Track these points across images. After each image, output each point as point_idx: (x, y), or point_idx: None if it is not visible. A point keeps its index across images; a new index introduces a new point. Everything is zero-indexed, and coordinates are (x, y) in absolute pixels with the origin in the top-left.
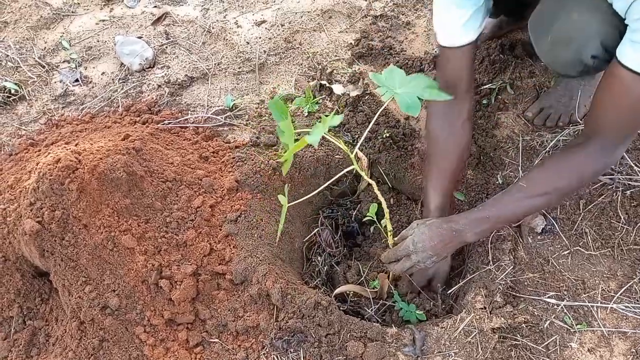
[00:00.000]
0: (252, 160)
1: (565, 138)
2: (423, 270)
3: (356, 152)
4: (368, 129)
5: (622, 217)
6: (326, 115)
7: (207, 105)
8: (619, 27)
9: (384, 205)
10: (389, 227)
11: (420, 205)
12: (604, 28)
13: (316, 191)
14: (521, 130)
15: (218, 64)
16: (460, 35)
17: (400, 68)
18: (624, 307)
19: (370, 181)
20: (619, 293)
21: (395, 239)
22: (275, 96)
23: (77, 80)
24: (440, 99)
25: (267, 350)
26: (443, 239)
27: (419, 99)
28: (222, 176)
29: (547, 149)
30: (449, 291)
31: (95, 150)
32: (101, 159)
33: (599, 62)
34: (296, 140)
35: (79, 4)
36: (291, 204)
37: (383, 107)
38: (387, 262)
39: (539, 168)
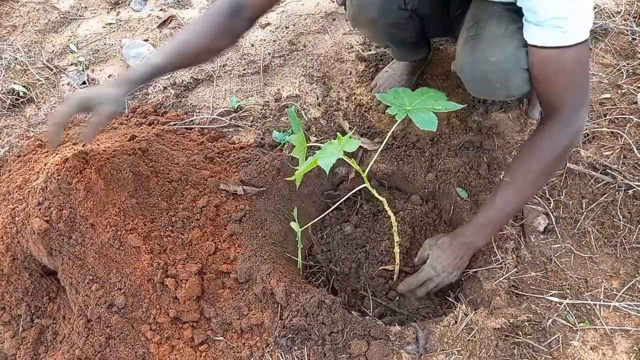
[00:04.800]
0: (257, 160)
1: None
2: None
3: (368, 170)
4: (381, 148)
5: (624, 216)
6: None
7: (212, 107)
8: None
9: (393, 219)
10: (397, 239)
11: None
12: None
13: (330, 210)
14: (524, 131)
15: (223, 66)
16: None
17: None
18: (626, 305)
19: (381, 198)
20: (622, 291)
21: (416, 260)
22: (292, 107)
23: (84, 83)
24: (454, 109)
25: (271, 348)
26: (458, 254)
27: (434, 113)
28: (227, 176)
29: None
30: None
31: (102, 150)
32: (108, 159)
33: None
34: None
35: (86, 7)
36: (303, 228)
37: (396, 126)
38: (409, 290)
39: (517, 159)
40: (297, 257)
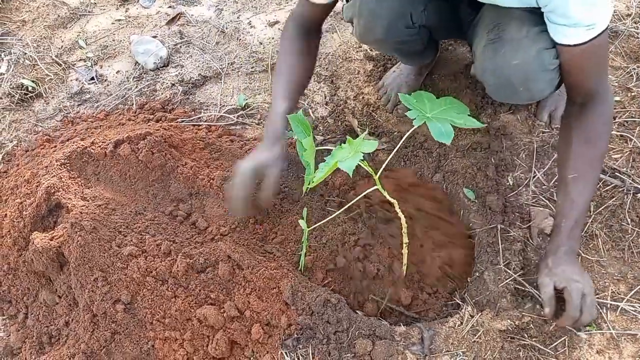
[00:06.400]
0: None
1: None
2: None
3: (380, 173)
4: (394, 152)
5: (632, 220)
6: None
7: (220, 104)
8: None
9: (403, 221)
10: (405, 240)
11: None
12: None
13: (338, 212)
14: (532, 132)
15: (231, 64)
16: None
17: None
18: (633, 309)
19: (393, 200)
20: (629, 295)
21: (547, 309)
22: (299, 111)
23: (92, 79)
24: (475, 126)
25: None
26: (575, 262)
27: (452, 126)
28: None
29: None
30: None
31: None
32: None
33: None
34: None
35: (95, 3)
36: (311, 228)
37: (411, 131)
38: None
39: (571, 151)
40: (301, 256)
